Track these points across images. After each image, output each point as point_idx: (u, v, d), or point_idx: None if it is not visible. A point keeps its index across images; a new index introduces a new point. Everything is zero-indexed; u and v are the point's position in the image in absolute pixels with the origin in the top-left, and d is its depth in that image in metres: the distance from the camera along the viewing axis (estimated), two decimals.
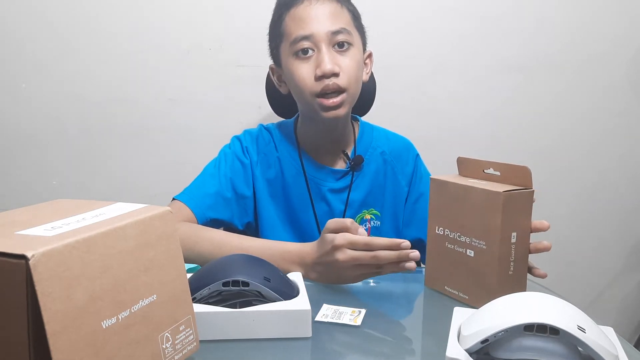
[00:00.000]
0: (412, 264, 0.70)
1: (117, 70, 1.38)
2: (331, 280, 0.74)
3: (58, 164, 1.41)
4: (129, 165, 1.43)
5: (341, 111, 0.90)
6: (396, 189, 1.02)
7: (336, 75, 0.88)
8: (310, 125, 0.99)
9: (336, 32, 0.88)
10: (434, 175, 0.77)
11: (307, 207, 0.99)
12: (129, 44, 1.37)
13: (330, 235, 0.72)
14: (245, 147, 1.00)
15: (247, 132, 1.02)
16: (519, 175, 0.67)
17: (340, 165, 1.00)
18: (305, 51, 0.88)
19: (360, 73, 0.93)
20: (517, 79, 1.48)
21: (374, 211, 1.00)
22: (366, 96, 1.14)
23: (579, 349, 0.48)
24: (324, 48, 0.87)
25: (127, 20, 1.36)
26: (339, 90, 0.88)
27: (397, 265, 0.70)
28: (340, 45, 0.89)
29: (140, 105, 1.40)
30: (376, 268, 0.72)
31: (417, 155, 1.05)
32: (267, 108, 1.42)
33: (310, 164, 0.99)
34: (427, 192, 1.00)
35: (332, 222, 0.74)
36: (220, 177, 0.95)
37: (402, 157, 1.03)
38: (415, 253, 0.70)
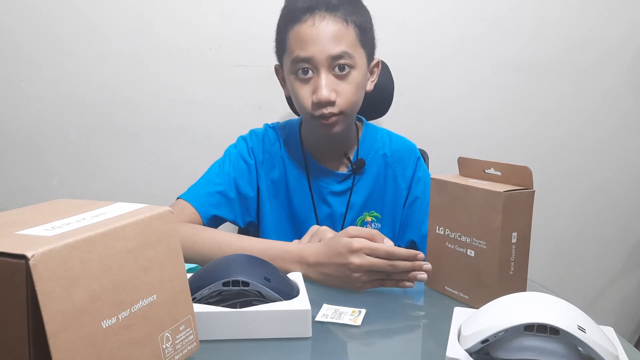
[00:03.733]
0: (424, 275, 0.72)
1: (117, 71, 1.38)
2: (335, 282, 0.74)
3: (58, 164, 1.41)
4: (129, 165, 1.43)
5: (336, 129, 0.91)
6: (396, 192, 1.02)
7: (332, 103, 0.88)
8: (313, 131, 0.99)
9: (337, 57, 0.87)
10: (434, 175, 0.77)
11: (308, 209, 0.99)
12: (129, 44, 1.37)
13: (346, 239, 0.72)
14: (251, 147, 1.00)
15: (253, 132, 1.03)
16: (520, 176, 0.67)
17: (343, 168, 1.00)
18: (305, 71, 0.88)
19: (360, 94, 0.93)
20: (518, 79, 1.48)
21: (375, 214, 1.00)
22: (385, 98, 1.16)
23: (579, 349, 0.48)
24: (323, 73, 0.87)
25: (127, 20, 1.36)
26: (334, 115, 0.89)
27: (404, 275, 0.72)
28: (341, 68, 0.88)
29: (140, 105, 1.40)
30: (385, 275, 0.72)
31: (419, 158, 1.04)
32: (267, 108, 1.42)
33: (313, 166, 0.99)
34: (422, 196, 1.00)
35: (353, 229, 0.74)
36: (224, 177, 0.96)
37: (404, 160, 1.02)
38: (429, 265, 0.72)
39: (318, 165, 0.99)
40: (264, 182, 0.99)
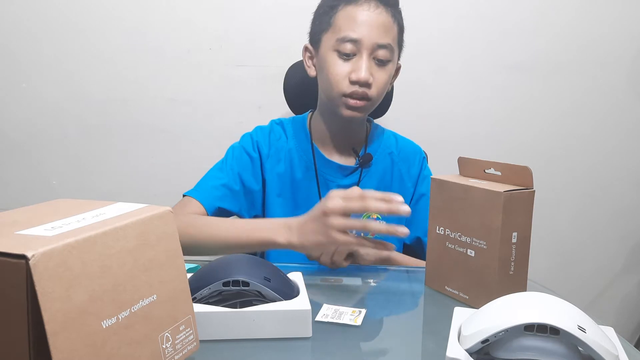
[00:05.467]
0: (405, 230, 0.72)
1: (117, 70, 1.38)
2: (313, 238, 0.74)
3: (58, 164, 1.41)
4: (129, 165, 1.43)
5: (360, 114, 0.94)
6: (402, 189, 1.03)
7: (368, 85, 0.90)
8: (325, 119, 1.00)
9: (381, 46, 0.90)
10: (434, 175, 0.77)
11: (315, 202, 0.99)
12: (129, 44, 1.37)
13: (323, 200, 0.75)
14: (256, 141, 1.01)
15: (258, 128, 1.04)
16: (520, 175, 0.67)
17: (350, 162, 1.02)
18: (348, 52, 0.91)
19: (387, 87, 0.96)
20: (519, 79, 1.48)
21: None
22: (384, 98, 1.16)
23: (580, 349, 0.48)
24: (365, 56, 0.90)
25: (127, 20, 1.36)
26: (365, 98, 0.91)
27: (378, 247, 0.73)
28: (380, 59, 0.91)
29: (140, 105, 1.40)
30: (357, 246, 0.73)
31: (424, 158, 1.08)
32: (267, 108, 1.42)
33: (320, 160, 1.00)
34: (428, 193, 1.01)
35: (335, 190, 0.75)
36: (228, 171, 0.97)
37: (410, 159, 1.05)
38: (405, 230, 0.72)
39: (326, 158, 1.00)
40: (269, 176, 0.99)
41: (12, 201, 1.40)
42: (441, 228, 0.74)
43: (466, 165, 0.76)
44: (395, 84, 1.24)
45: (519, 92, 1.49)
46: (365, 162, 1.00)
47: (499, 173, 0.71)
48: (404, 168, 1.04)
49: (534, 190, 0.67)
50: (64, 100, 1.38)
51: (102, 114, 1.39)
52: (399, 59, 0.99)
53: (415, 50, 1.43)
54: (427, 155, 1.26)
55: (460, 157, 0.77)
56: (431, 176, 0.76)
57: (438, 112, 1.48)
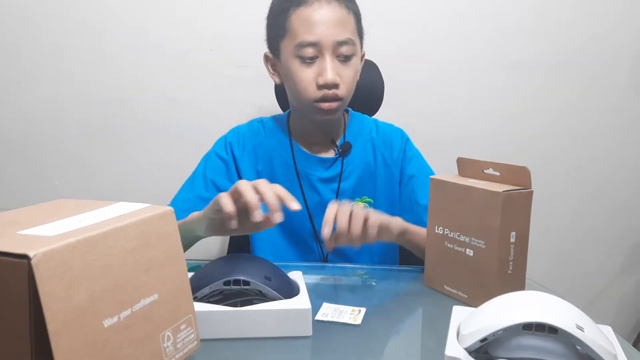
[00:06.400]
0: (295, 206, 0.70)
1: (117, 70, 1.38)
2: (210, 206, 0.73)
3: (59, 164, 1.41)
4: (129, 165, 1.43)
5: (335, 115, 0.92)
6: (388, 175, 1.01)
7: (336, 86, 0.89)
8: (302, 119, 0.99)
9: (342, 43, 0.88)
10: (433, 175, 0.77)
11: (298, 198, 0.98)
12: (129, 44, 1.37)
13: None
14: (229, 142, 1.00)
15: (233, 129, 1.03)
16: (519, 176, 0.68)
17: (331, 154, 1.00)
18: (310, 56, 0.88)
19: (356, 81, 0.94)
20: (518, 78, 1.48)
21: (367, 199, 1.00)
22: (375, 97, 1.16)
23: (578, 347, 0.48)
24: (328, 57, 0.88)
25: (128, 20, 1.36)
26: (336, 99, 0.90)
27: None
28: (345, 56, 0.89)
29: (140, 105, 1.40)
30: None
31: (407, 139, 1.04)
32: (267, 108, 1.42)
33: (299, 154, 1.00)
34: (418, 172, 1.00)
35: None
36: (199, 180, 0.97)
37: (392, 143, 1.03)
38: (296, 206, 0.69)
39: (305, 153, 1.00)
40: (247, 175, 0.99)
41: (13, 201, 1.40)
42: (440, 228, 0.74)
43: (465, 166, 0.76)
44: (394, 83, 1.24)
45: (518, 91, 1.49)
46: (344, 151, 0.98)
47: (497, 173, 0.71)
48: (387, 153, 1.01)
49: (532, 190, 0.67)
50: (65, 100, 1.38)
51: (102, 114, 1.40)
52: (362, 48, 0.96)
53: (415, 50, 1.43)
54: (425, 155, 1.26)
55: (459, 158, 0.77)
56: (430, 176, 0.76)
57: (438, 112, 1.48)
